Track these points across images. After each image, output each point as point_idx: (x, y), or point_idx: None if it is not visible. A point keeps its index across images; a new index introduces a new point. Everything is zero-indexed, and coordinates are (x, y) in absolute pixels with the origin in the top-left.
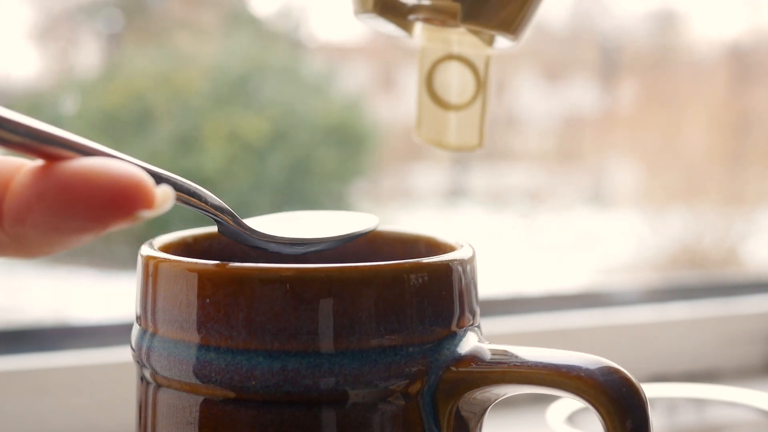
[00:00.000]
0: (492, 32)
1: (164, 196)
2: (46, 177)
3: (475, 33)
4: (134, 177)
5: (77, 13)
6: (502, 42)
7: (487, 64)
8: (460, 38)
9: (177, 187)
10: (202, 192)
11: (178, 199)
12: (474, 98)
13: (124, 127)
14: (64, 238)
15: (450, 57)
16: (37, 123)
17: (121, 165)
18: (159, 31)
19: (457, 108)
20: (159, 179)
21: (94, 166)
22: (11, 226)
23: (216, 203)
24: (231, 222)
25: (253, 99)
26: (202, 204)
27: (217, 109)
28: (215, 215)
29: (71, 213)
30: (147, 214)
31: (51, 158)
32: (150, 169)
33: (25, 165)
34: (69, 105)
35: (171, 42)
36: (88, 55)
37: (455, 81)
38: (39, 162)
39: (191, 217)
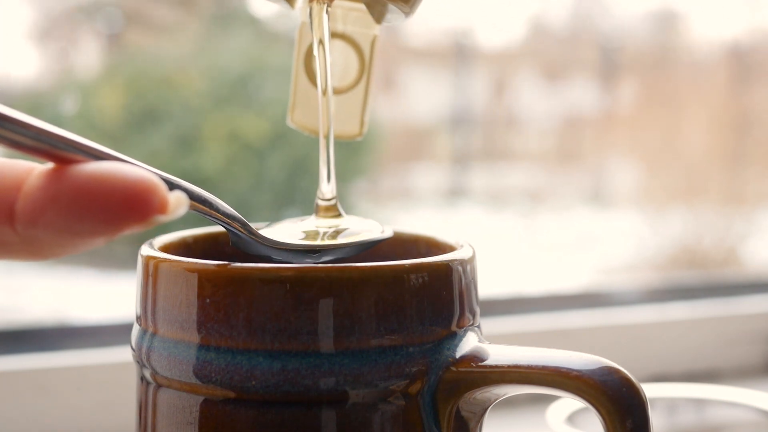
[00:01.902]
0: (386, 0)
1: (177, 201)
2: (60, 179)
3: (366, 5)
4: (149, 181)
5: (77, 13)
6: (392, 16)
7: (373, 46)
8: (346, 15)
9: (188, 193)
10: (213, 199)
11: (189, 206)
12: (357, 82)
13: (124, 127)
14: (76, 241)
15: (333, 35)
16: (49, 126)
17: (135, 169)
18: (159, 31)
19: (338, 92)
20: (170, 186)
21: (108, 170)
22: (24, 228)
23: (227, 211)
24: (241, 229)
25: (253, 99)
26: (213, 211)
27: (217, 109)
28: (225, 223)
29: (85, 215)
30: (161, 218)
31: (62, 161)
32: (161, 175)
33: (36, 168)
34: (69, 105)
35: (171, 42)
36: (88, 55)
37: (337, 62)
38: (50, 165)
39: (191, 218)
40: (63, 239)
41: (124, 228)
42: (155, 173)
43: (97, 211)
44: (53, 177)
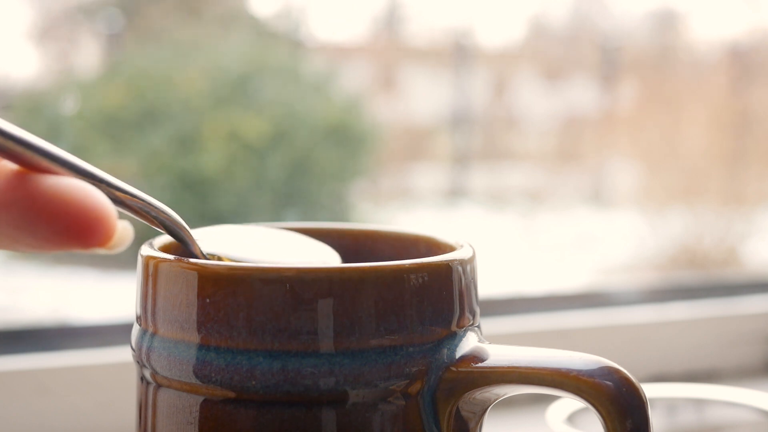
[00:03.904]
0: None
1: (121, 237)
2: (18, 187)
3: None
4: (99, 213)
5: (77, 13)
6: None
7: None
8: None
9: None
10: (162, 209)
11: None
12: None
13: (124, 127)
14: (14, 246)
15: None
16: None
17: (88, 197)
18: (159, 31)
19: None
20: (114, 197)
21: (63, 193)
22: None
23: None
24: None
25: (253, 99)
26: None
27: (217, 109)
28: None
29: (29, 231)
30: (100, 251)
31: (20, 163)
32: (108, 181)
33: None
34: (69, 105)
35: (171, 42)
36: (88, 55)
37: None
38: (13, 167)
39: (191, 218)
40: (5, 244)
41: (65, 249)
42: (96, 175)
43: (41, 232)
44: (12, 183)
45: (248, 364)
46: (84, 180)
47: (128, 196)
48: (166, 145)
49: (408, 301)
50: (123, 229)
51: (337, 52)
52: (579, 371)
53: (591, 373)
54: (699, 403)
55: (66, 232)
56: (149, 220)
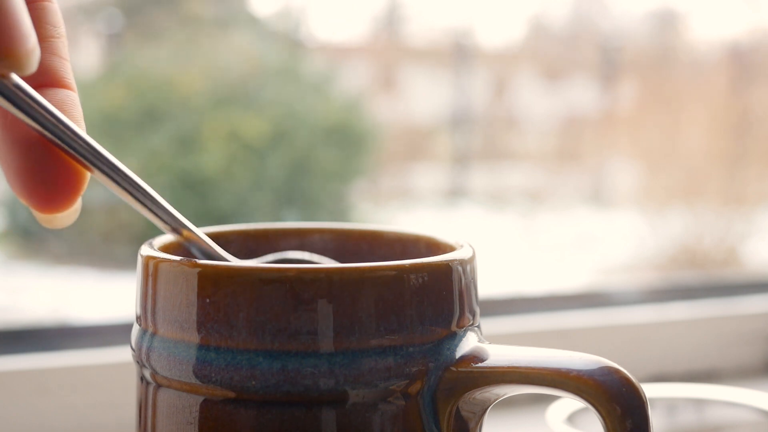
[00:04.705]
0: None
1: (65, 215)
2: (29, 137)
3: None
4: (67, 189)
5: (77, 13)
6: None
7: None
8: None
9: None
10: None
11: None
12: None
13: (124, 127)
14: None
15: None
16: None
17: (69, 175)
18: (159, 31)
19: None
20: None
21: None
22: None
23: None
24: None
25: (253, 99)
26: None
27: (217, 109)
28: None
29: (9, 163)
30: (39, 216)
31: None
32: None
33: None
34: None
35: (171, 42)
36: (88, 55)
37: None
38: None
39: (191, 218)
40: None
41: (15, 191)
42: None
43: (17, 185)
44: (29, 134)
45: (248, 364)
46: (120, 180)
47: (158, 207)
48: (166, 145)
49: (408, 301)
50: (74, 210)
51: (337, 52)
52: (579, 371)
53: (591, 373)
54: (699, 403)
55: (31, 181)
56: (171, 230)
